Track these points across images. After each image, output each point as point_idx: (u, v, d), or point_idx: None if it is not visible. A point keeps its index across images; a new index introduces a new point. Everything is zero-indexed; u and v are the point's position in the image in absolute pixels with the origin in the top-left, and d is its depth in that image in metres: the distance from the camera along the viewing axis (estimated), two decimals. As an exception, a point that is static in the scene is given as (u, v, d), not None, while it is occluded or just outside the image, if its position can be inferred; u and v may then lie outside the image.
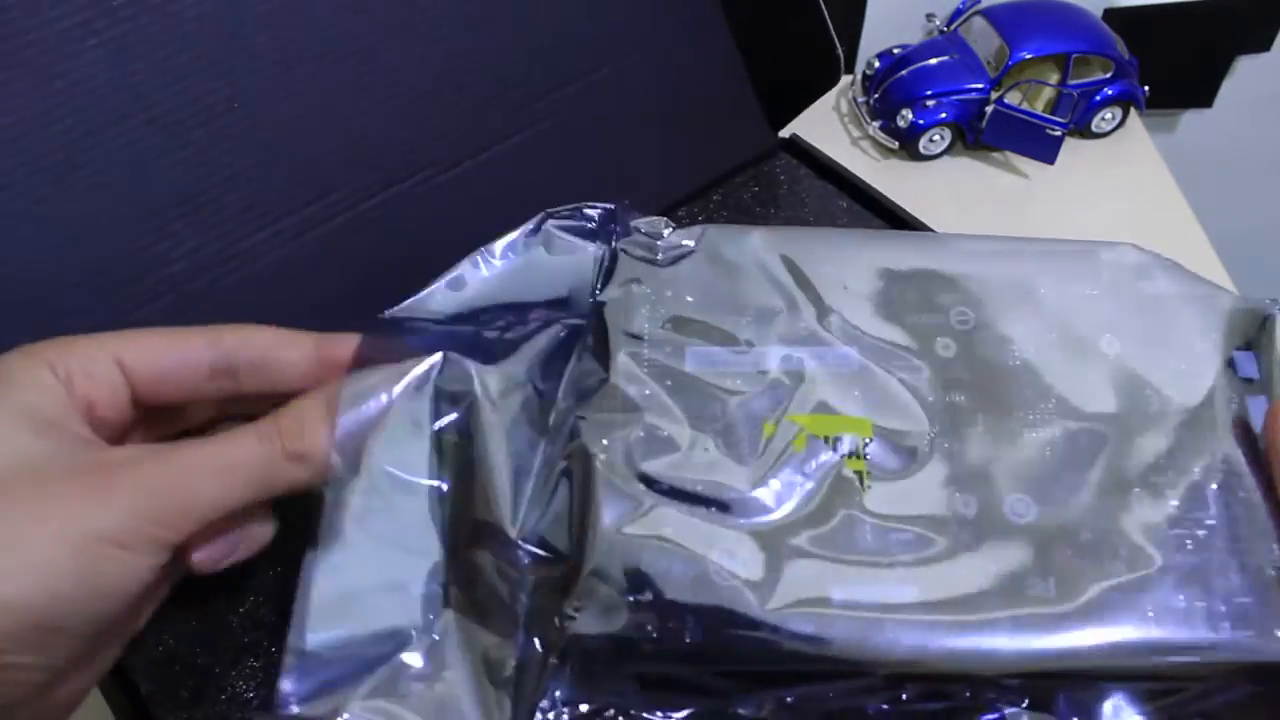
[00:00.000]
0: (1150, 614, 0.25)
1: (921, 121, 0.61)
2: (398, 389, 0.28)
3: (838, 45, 0.47)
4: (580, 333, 0.30)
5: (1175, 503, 0.27)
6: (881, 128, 0.64)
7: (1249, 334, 0.31)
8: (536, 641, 0.26)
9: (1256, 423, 0.28)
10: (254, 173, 0.37)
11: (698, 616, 0.25)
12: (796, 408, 0.28)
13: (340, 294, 0.40)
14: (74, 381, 0.27)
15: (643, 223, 0.32)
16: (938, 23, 0.68)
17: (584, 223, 0.32)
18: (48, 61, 0.32)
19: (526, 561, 0.27)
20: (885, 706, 0.26)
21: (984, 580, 0.25)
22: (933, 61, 0.63)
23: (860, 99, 0.66)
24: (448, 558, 0.28)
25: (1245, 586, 0.25)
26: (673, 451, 0.27)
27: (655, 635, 0.25)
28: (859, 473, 0.27)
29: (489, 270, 0.32)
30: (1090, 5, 0.65)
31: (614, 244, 0.31)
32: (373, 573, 0.28)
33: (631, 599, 0.25)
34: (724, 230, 0.32)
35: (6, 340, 0.34)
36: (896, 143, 0.63)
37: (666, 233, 0.31)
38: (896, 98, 0.63)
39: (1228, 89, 0.76)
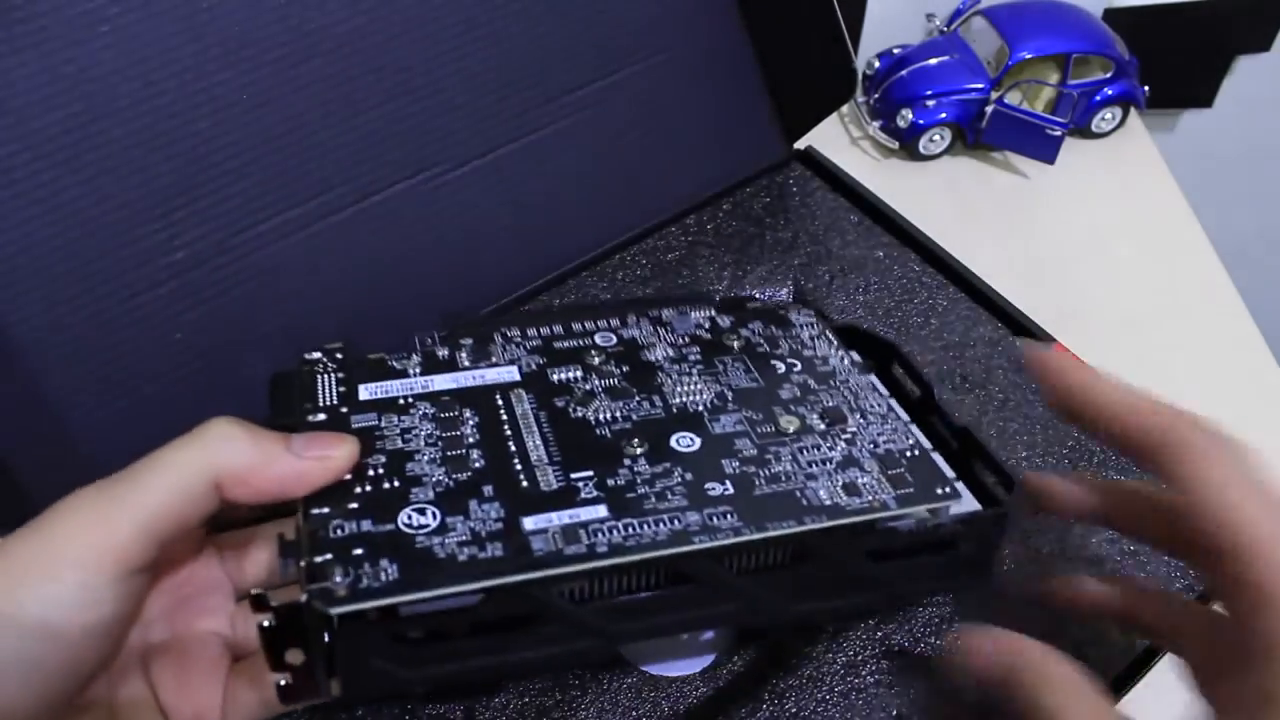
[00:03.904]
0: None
1: (921, 121, 0.62)
2: None
3: (854, 59, 0.47)
4: None
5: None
6: (881, 128, 0.64)
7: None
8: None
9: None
10: (260, 164, 0.37)
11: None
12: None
13: (342, 288, 0.40)
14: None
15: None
16: (938, 23, 0.68)
17: None
18: (58, 47, 0.33)
19: None
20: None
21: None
22: (933, 61, 0.63)
23: (860, 99, 0.66)
24: None
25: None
26: None
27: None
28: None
29: None
30: (1090, 5, 0.66)
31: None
32: None
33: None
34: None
35: (7, 323, 0.34)
36: (896, 143, 0.63)
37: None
38: (896, 98, 0.63)
39: (1228, 89, 0.76)
